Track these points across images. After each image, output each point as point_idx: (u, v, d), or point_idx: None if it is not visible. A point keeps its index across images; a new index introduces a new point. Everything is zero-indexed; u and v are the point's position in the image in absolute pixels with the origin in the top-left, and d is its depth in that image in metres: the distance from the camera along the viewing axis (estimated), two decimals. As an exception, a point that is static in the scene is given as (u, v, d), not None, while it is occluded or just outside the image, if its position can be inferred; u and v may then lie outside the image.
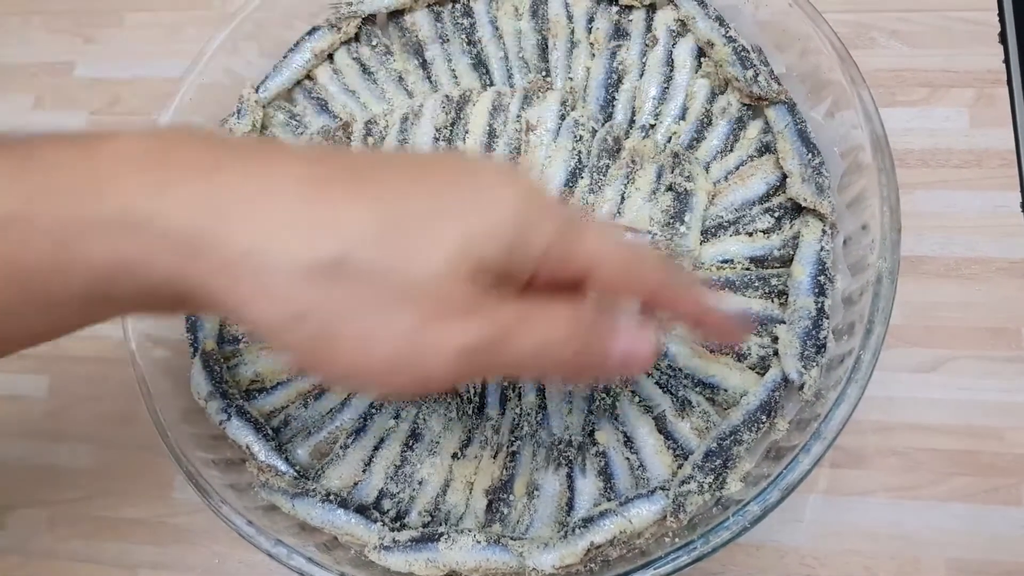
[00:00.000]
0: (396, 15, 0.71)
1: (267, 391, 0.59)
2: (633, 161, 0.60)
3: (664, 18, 0.65)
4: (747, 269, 0.57)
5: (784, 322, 0.53)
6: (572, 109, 0.63)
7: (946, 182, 0.64)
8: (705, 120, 0.62)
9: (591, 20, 0.67)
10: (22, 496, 0.66)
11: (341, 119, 0.68)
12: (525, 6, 0.68)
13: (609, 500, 0.51)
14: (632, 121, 0.63)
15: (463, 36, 0.68)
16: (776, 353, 0.53)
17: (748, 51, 0.61)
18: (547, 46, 0.67)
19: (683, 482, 0.49)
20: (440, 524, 0.53)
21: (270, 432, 0.56)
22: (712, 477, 0.49)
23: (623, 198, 0.59)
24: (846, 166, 0.57)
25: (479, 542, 0.49)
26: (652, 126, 0.63)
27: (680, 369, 0.54)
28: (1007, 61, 0.68)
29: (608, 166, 0.60)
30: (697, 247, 0.57)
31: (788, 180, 0.57)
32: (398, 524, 0.53)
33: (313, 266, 0.30)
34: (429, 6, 0.70)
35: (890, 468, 0.57)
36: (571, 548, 0.48)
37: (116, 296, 0.33)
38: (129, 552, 0.63)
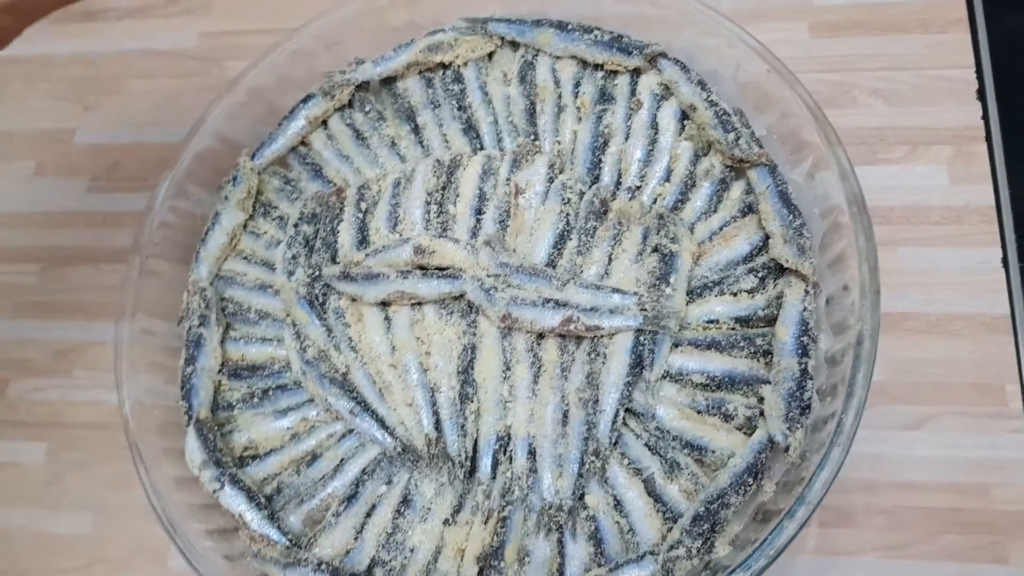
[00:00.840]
0: (389, 81, 0.73)
1: (260, 458, 0.60)
2: (620, 223, 0.61)
3: (648, 82, 0.67)
4: (732, 329, 0.57)
5: (770, 382, 0.54)
6: (560, 172, 0.64)
7: (927, 239, 0.65)
8: (689, 182, 0.63)
9: (577, 85, 0.69)
10: (21, 565, 0.66)
11: (335, 184, 0.69)
12: (514, 72, 0.70)
13: (599, 565, 0.51)
14: (618, 183, 0.65)
15: (454, 101, 0.70)
16: (762, 414, 0.53)
17: (729, 114, 0.63)
18: (535, 110, 0.68)
19: (672, 547, 0.49)
20: (431, 592, 0.53)
21: (263, 500, 0.56)
22: (700, 541, 0.49)
23: (610, 259, 0.60)
24: (827, 226, 0.58)
25: (470, 610, 0.49)
26: (638, 188, 0.64)
27: (668, 431, 0.55)
28: (986, 117, 0.70)
29: (596, 228, 0.61)
30: (683, 308, 0.58)
31: (770, 241, 0.58)
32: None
33: None
34: (421, 73, 0.72)
35: (878, 527, 0.57)
36: (561, 615, 0.48)
37: None
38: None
